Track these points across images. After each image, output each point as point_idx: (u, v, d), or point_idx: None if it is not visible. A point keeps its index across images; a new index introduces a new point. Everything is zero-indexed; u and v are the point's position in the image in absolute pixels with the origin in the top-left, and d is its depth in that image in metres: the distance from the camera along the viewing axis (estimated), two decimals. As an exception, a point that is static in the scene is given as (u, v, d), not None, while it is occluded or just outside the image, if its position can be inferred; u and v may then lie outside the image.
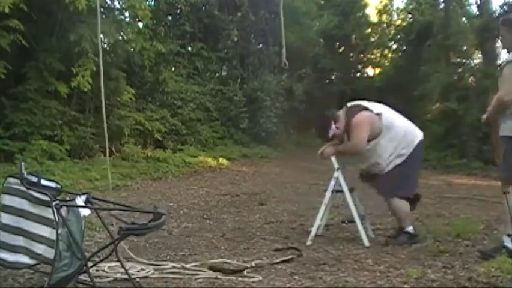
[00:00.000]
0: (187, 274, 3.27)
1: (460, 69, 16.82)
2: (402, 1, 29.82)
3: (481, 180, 9.65)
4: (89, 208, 3.00)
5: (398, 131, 4.16)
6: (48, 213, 2.74)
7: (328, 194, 4.21)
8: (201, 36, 15.87)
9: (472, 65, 17.80)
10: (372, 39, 26.30)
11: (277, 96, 17.23)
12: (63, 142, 8.90)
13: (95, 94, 9.66)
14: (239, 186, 8.75)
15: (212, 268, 3.34)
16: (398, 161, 4.12)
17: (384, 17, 26.70)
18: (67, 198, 3.09)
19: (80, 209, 2.92)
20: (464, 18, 19.88)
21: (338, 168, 4.17)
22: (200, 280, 3.15)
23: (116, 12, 10.67)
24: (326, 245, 4.09)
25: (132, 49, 11.10)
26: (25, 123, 8.51)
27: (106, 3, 10.33)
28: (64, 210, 2.80)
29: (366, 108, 4.17)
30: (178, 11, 15.43)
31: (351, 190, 4.19)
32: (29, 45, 8.22)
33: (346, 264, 3.49)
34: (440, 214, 5.58)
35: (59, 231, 2.70)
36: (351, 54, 26.08)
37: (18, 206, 2.81)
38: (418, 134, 4.32)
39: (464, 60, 17.90)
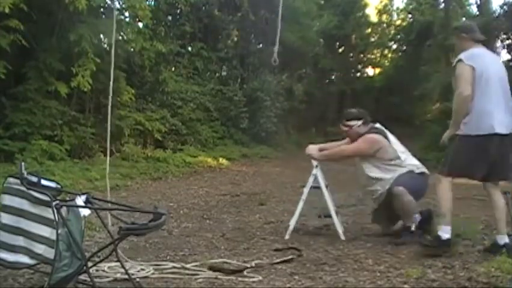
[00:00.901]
0: (187, 274, 3.27)
1: (460, 69, 16.81)
2: (402, 1, 29.88)
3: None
4: (89, 208, 3.00)
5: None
6: (48, 213, 2.74)
7: (306, 190, 4.45)
8: (201, 36, 15.87)
9: (472, 65, 17.80)
10: (372, 39, 26.31)
11: (277, 96, 17.22)
12: (63, 142, 8.90)
13: (95, 94, 9.68)
14: (239, 186, 8.75)
15: (212, 268, 3.34)
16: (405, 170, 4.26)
17: (384, 17, 26.71)
18: (67, 198, 3.09)
19: (80, 209, 2.92)
20: (464, 18, 19.88)
21: (316, 166, 4.43)
22: (200, 280, 3.15)
23: (116, 12, 10.65)
24: (326, 245, 4.09)
25: (132, 49, 11.10)
26: (25, 123, 8.51)
27: (106, 3, 10.33)
28: (63, 210, 2.80)
29: (386, 137, 4.38)
30: (178, 11, 15.42)
31: (326, 186, 4.41)
32: (29, 45, 8.21)
33: (346, 264, 3.49)
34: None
35: (59, 231, 2.70)
36: (351, 54, 26.07)
37: (18, 206, 2.81)
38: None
39: (464, 60, 17.88)
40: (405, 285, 2.99)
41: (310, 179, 4.42)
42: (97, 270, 3.14)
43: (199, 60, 15.53)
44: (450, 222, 3.69)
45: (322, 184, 4.37)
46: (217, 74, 17.09)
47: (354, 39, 25.42)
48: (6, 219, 2.81)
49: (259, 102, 16.21)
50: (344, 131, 4.51)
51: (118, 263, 3.03)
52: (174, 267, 3.40)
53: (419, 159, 4.53)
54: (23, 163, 2.99)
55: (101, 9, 10.20)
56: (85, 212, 2.96)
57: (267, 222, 5.25)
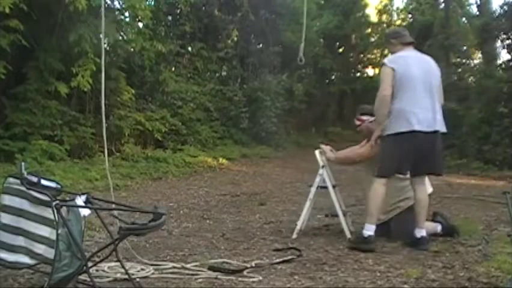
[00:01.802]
0: (187, 274, 3.27)
1: (460, 69, 16.84)
2: (402, 1, 29.89)
3: (481, 180, 9.66)
4: (89, 208, 3.00)
5: None
6: (48, 213, 2.74)
7: (313, 189, 4.44)
8: (201, 36, 15.86)
9: (472, 65, 17.82)
10: (372, 39, 26.29)
11: (277, 96, 17.21)
12: (63, 142, 8.90)
13: (95, 94, 9.68)
14: (239, 186, 8.75)
15: (212, 268, 3.34)
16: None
17: (384, 17, 26.69)
18: (67, 198, 3.09)
19: (80, 209, 2.92)
20: (464, 18, 19.91)
21: (322, 166, 4.41)
22: (200, 280, 3.15)
23: (116, 12, 10.66)
24: (326, 245, 4.09)
25: (132, 49, 11.10)
26: (25, 123, 8.51)
27: (106, 3, 10.32)
28: (64, 210, 2.79)
29: None
30: (178, 11, 15.41)
31: (334, 186, 4.40)
32: (29, 45, 8.21)
33: (346, 264, 3.49)
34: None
35: (59, 231, 2.70)
36: (351, 54, 26.06)
37: (18, 206, 2.81)
38: None
39: (464, 60, 17.93)
40: (405, 285, 2.99)
41: (317, 179, 4.41)
42: (97, 270, 3.14)
43: (199, 60, 15.51)
44: (375, 221, 3.87)
45: (329, 184, 4.37)
46: (217, 74, 17.07)
47: (354, 39, 25.41)
48: (6, 219, 2.81)
49: (259, 102, 16.20)
50: (357, 125, 4.55)
51: (118, 263, 3.03)
52: (174, 267, 3.40)
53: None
54: (23, 163, 2.99)
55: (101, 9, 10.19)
56: (85, 212, 2.96)
57: (267, 222, 5.25)
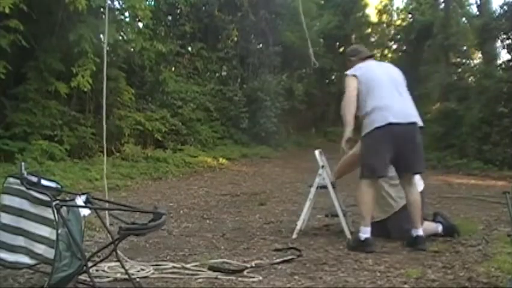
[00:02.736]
0: (187, 274, 3.27)
1: (460, 69, 16.85)
2: (402, 1, 29.90)
3: (481, 180, 9.65)
4: (89, 208, 3.00)
5: None
6: (48, 213, 2.74)
7: (313, 189, 4.45)
8: (201, 36, 15.87)
9: (472, 65, 17.83)
10: (372, 39, 26.31)
11: (277, 96, 17.23)
12: (63, 142, 8.90)
13: (95, 94, 9.68)
14: (239, 186, 8.75)
15: (212, 268, 3.34)
16: None
17: (384, 17, 26.71)
18: (67, 198, 3.09)
19: (80, 209, 2.92)
20: (464, 18, 19.91)
21: (322, 166, 4.42)
22: (200, 280, 3.15)
23: (116, 12, 10.66)
24: (326, 245, 4.09)
25: (132, 49, 11.10)
26: (25, 123, 8.51)
27: (106, 3, 10.32)
28: (64, 210, 2.79)
29: None
30: (178, 11, 15.43)
31: (333, 186, 4.42)
32: (29, 45, 8.21)
33: (346, 264, 3.49)
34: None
35: (59, 231, 2.70)
36: (351, 54, 26.03)
37: (18, 206, 2.81)
38: None
39: (464, 60, 17.94)
40: (405, 285, 2.99)
41: (317, 179, 4.42)
42: (97, 270, 3.14)
43: (199, 60, 15.52)
44: (369, 223, 3.87)
45: (329, 184, 4.38)
46: (217, 74, 17.08)
47: (354, 39, 25.39)
48: (6, 219, 2.81)
49: (259, 102, 16.21)
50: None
51: (118, 263, 3.03)
52: (174, 267, 3.40)
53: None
54: (23, 163, 2.99)
55: (101, 9, 10.19)
56: (85, 212, 2.96)
57: (267, 222, 5.25)
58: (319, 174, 4.42)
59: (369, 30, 26.33)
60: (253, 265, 3.46)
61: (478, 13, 16.73)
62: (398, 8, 26.56)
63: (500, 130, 11.00)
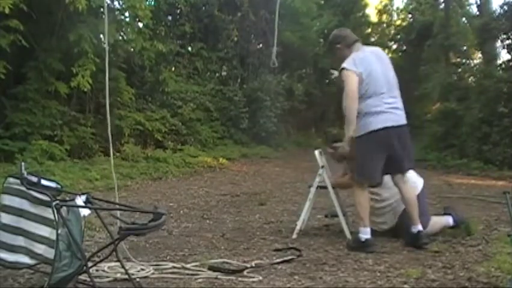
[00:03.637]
0: (187, 274, 3.27)
1: (460, 69, 16.83)
2: (402, 1, 29.90)
3: (481, 180, 9.65)
4: (89, 208, 3.00)
5: None
6: (48, 213, 2.74)
7: (313, 189, 4.46)
8: (201, 36, 15.87)
9: (472, 65, 17.82)
10: (372, 39, 26.28)
11: (277, 96, 17.23)
12: (63, 142, 8.91)
13: (95, 94, 9.69)
14: (239, 186, 8.75)
15: (212, 268, 3.34)
16: None
17: (384, 17, 26.71)
18: (67, 198, 3.09)
19: (80, 209, 2.92)
20: (464, 18, 19.91)
21: (322, 166, 4.42)
22: (200, 280, 3.15)
23: (116, 12, 10.67)
24: (326, 245, 4.09)
25: (132, 49, 11.11)
26: (25, 123, 8.51)
27: (106, 3, 10.33)
28: (63, 210, 2.79)
29: None
30: (178, 11, 15.42)
31: (333, 187, 4.42)
32: (29, 45, 8.22)
33: (346, 264, 3.49)
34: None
35: (59, 231, 2.70)
36: (351, 54, 26.02)
37: (18, 206, 2.81)
38: None
39: (464, 60, 17.93)
40: (405, 285, 2.99)
41: (317, 179, 4.43)
42: (97, 270, 3.14)
43: (199, 60, 15.52)
44: (368, 224, 3.88)
45: (329, 184, 4.38)
46: (217, 74, 17.09)
47: (354, 39, 25.37)
48: (6, 219, 2.81)
49: (259, 102, 16.21)
50: (330, 153, 4.58)
51: (118, 263, 3.03)
52: (174, 267, 3.40)
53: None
54: (23, 163, 2.99)
55: (101, 9, 10.19)
56: (85, 212, 2.96)
57: (267, 222, 5.25)
58: (319, 174, 4.43)
59: (369, 30, 26.31)
60: (253, 265, 3.46)
61: (478, 13, 16.72)
62: (398, 8, 26.57)
63: (500, 130, 10.99)
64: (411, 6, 23.83)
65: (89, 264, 2.84)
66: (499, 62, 14.25)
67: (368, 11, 25.83)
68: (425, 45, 20.06)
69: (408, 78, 21.22)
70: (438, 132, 13.50)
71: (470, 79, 15.37)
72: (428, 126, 15.52)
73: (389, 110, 3.86)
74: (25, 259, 2.78)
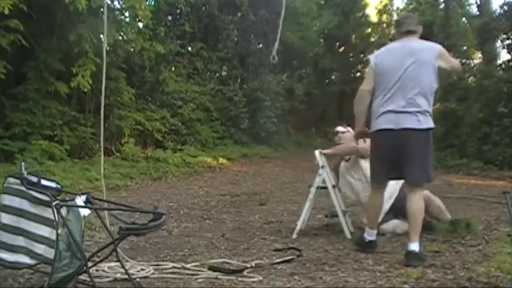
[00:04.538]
0: (187, 274, 3.27)
1: (459, 69, 16.80)
2: (402, 1, 29.89)
3: (481, 180, 9.65)
4: (89, 208, 3.00)
5: None
6: (48, 213, 2.74)
7: (313, 189, 4.47)
8: (201, 36, 15.87)
9: (472, 65, 17.81)
10: (372, 39, 26.28)
11: (277, 96, 17.22)
12: (63, 142, 8.91)
13: (95, 94, 9.68)
14: (239, 186, 8.75)
15: (212, 268, 3.34)
16: None
17: (384, 17, 26.68)
18: (67, 198, 3.09)
19: (80, 209, 2.92)
20: (464, 18, 19.91)
21: (322, 166, 4.44)
22: (200, 280, 3.15)
23: (116, 12, 10.67)
24: (326, 245, 4.09)
25: (132, 49, 11.11)
26: (25, 123, 8.52)
27: (106, 3, 10.33)
28: (63, 210, 2.80)
29: None
30: (178, 11, 15.43)
31: (333, 186, 4.45)
32: (29, 45, 8.22)
33: (346, 264, 3.49)
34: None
35: (59, 231, 2.70)
36: (351, 54, 26.05)
37: (18, 206, 2.81)
38: None
39: (464, 60, 17.91)
40: (405, 285, 2.99)
41: (317, 179, 4.44)
42: (97, 270, 3.14)
43: (199, 60, 15.52)
44: (375, 226, 3.85)
45: (329, 184, 4.40)
46: (217, 74, 17.09)
47: (354, 39, 25.40)
48: (6, 219, 2.81)
49: (259, 102, 16.21)
50: (341, 132, 4.71)
51: (118, 263, 3.03)
52: (174, 267, 3.40)
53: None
54: (23, 163, 2.99)
55: (101, 9, 10.20)
56: (85, 212, 2.96)
57: (267, 222, 5.25)
58: (319, 175, 4.44)
59: (369, 30, 26.29)
60: (253, 265, 3.46)
61: (477, 13, 16.74)
62: (398, 8, 26.52)
63: (500, 130, 10.99)
64: (411, 6, 23.80)
65: (89, 264, 2.84)
66: (499, 62, 14.25)
67: (368, 11, 25.82)
68: (425, 45, 20.02)
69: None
70: (438, 132, 13.47)
71: (470, 79, 15.36)
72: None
73: (395, 111, 3.54)
74: (25, 259, 2.78)
